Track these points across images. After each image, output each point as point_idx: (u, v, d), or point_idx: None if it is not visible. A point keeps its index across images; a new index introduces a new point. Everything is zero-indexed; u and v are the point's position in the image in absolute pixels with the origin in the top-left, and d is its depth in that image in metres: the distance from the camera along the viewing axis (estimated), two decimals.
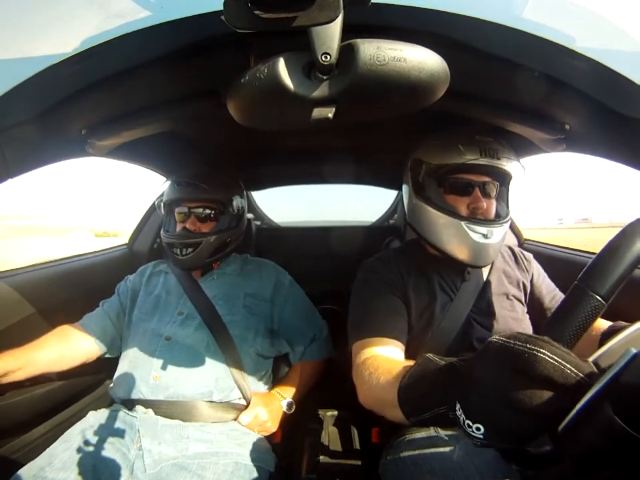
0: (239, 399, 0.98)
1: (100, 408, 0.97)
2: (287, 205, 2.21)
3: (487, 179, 0.83)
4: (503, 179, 0.86)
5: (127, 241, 1.62)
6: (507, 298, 0.89)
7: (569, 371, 0.32)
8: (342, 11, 0.41)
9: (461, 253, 0.82)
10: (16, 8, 0.55)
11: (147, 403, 0.92)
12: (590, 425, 0.30)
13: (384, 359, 0.70)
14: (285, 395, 1.03)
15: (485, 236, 0.80)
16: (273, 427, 0.98)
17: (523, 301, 0.91)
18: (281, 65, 0.47)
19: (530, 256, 0.98)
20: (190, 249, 1.04)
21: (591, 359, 0.34)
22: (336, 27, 0.43)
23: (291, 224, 2.12)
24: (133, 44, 0.56)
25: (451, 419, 0.40)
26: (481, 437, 0.36)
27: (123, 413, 0.92)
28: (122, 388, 0.96)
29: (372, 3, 0.42)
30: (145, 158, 1.21)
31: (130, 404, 0.94)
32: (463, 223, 0.80)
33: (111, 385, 1.02)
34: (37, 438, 1.01)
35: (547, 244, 1.49)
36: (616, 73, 0.55)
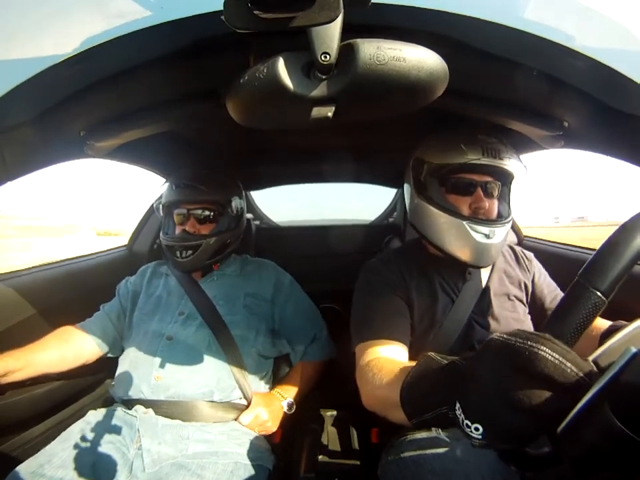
0: (240, 398, 0.98)
1: (100, 407, 0.97)
2: (286, 204, 2.21)
3: (489, 178, 0.83)
4: (505, 178, 0.85)
5: (126, 242, 1.62)
6: (509, 299, 0.88)
7: (569, 370, 0.32)
8: (342, 11, 0.41)
9: (462, 253, 0.82)
10: (16, 8, 0.55)
11: (147, 403, 0.92)
12: (589, 425, 0.30)
13: (387, 360, 0.70)
14: (286, 395, 1.03)
15: (487, 236, 0.80)
16: (273, 427, 0.98)
17: (525, 301, 0.90)
18: (281, 65, 0.47)
19: (531, 255, 0.98)
20: (190, 251, 1.04)
21: (590, 358, 0.34)
22: (336, 26, 0.43)
23: (290, 223, 2.11)
24: (132, 44, 0.56)
25: (451, 419, 0.40)
26: (480, 437, 0.35)
27: (122, 413, 0.92)
28: (123, 387, 0.96)
29: (372, 3, 0.42)
30: (143, 159, 1.21)
31: (130, 403, 0.94)
32: (464, 222, 0.80)
33: (112, 384, 1.02)
34: (36, 436, 1.02)
35: (546, 240, 1.49)
36: (615, 71, 0.55)
